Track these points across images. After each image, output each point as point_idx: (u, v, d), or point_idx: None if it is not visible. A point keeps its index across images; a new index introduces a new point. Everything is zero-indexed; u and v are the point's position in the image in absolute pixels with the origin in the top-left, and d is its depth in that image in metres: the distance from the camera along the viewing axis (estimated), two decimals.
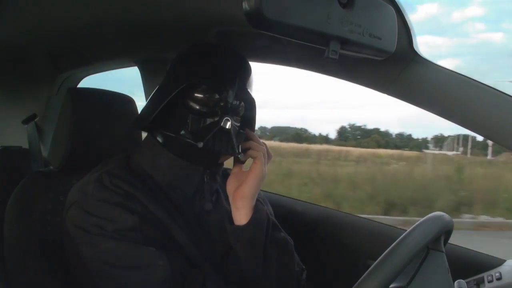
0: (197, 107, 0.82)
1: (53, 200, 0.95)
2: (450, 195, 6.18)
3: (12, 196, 0.94)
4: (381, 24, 0.72)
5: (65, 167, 0.98)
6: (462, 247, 1.14)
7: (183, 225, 0.83)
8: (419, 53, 0.86)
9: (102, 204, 0.77)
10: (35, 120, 1.57)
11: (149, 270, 0.74)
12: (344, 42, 0.66)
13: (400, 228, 1.24)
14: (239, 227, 0.84)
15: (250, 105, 0.89)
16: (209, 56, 0.86)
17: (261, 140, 0.89)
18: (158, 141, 0.87)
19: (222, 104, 0.82)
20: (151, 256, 0.75)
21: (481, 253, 1.12)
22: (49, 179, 0.99)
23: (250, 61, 0.97)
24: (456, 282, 0.88)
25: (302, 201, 1.54)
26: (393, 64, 0.87)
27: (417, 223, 0.79)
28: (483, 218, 5.67)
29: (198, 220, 0.87)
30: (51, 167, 1.03)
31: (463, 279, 0.91)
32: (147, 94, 1.54)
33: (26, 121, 1.55)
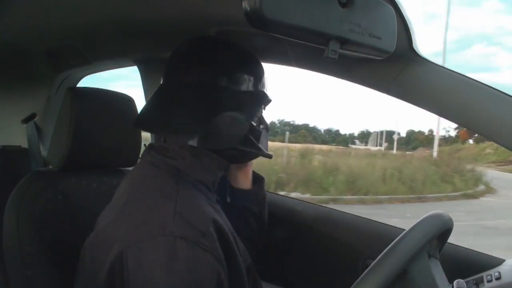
0: (260, 123, 0.89)
1: (52, 199, 0.95)
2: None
3: (11, 196, 0.94)
4: (381, 24, 0.72)
5: (65, 167, 0.98)
6: (461, 246, 1.14)
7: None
8: (418, 52, 0.86)
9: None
10: (35, 119, 1.57)
11: None
12: (344, 42, 0.66)
13: (399, 228, 1.24)
14: (260, 185, 1.05)
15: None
16: (260, 64, 0.89)
17: None
18: (202, 146, 0.79)
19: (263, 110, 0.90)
20: None
21: (480, 252, 1.12)
22: (48, 178, 0.99)
23: None
24: (455, 282, 0.89)
25: (302, 200, 1.54)
26: (392, 64, 0.87)
27: (416, 222, 0.79)
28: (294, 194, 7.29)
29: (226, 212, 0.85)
30: (50, 167, 1.03)
31: (462, 278, 0.91)
32: (146, 94, 1.54)
33: (25, 121, 1.56)
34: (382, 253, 0.74)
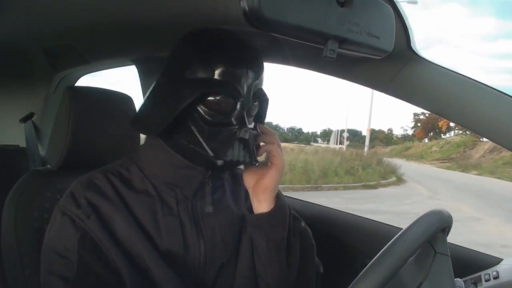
0: (212, 117, 0.75)
1: (50, 199, 0.95)
2: None
3: (9, 195, 0.94)
4: (379, 23, 0.72)
5: (63, 166, 0.98)
6: (459, 245, 1.14)
7: (168, 228, 0.79)
8: (417, 52, 0.86)
9: (58, 213, 0.77)
10: (33, 119, 1.57)
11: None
12: (342, 41, 0.66)
13: (399, 228, 1.24)
14: (262, 214, 0.81)
15: (264, 103, 0.84)
16: (224, 50, 0.75)
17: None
18: (161, 141, 0.80)
19: (238, 110, 0.75)
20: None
21: (478, 252, 1.12)
22: (46, 178, 0.99)
23: None
24: None
25: (300, 200, 1.54)
26: (391, 63, 0.87)
27: (416, 219, 0.79)
28: None
29: (194, 221, 0.82)
30: (49, 166, 1.02)
31: (461, 278, 0.91)
32: (144, 93, 1.54)
33: (23, 120, 1.55)
34: (381, 251, 0.74)
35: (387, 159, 15.21)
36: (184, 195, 0.82)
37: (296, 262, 0.86)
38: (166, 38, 1.18)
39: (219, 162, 0.74)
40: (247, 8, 0.55)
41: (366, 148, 19.16)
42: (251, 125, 0.78)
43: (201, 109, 0.75)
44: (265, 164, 0.83)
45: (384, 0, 0.73)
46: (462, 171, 18.64)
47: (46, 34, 1.26)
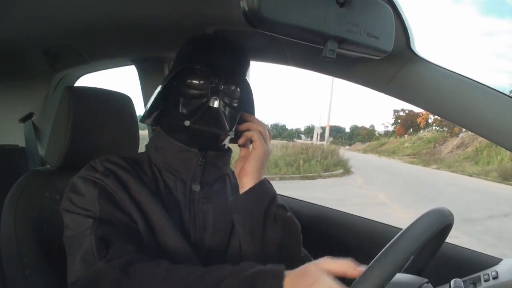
0: (189, 91, 0.86)
1: (50, 198, 0.95)
2: None
3: (9, 195, 0.94)
4: (379, 23, 0.72)
5: (62, 166, 0.98)
6: (459, 246, 1.14)
7: (168, 206, 0.86)
8: (416, 52, 0.86)
9: (78, 180, 0.83)
10: (32, 118, 1.57)
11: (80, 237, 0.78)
12: (342, 41, 0.66)
13: (399, 228, 1.24)
14: (238, 196, 0.88)
15: (246, 90, 0.92)
16: (202, 44, 0.89)
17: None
18: (160, 127, 0.92)
19: (212, 86, 0.85)
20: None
21: (477, 252, 1.12)
22: (46, 178, 0.99)
23: None
24: (452, 281, 0.89)
25: (299, 200, 1.54)
26: (390, 63, 0.87)
27: (417, 218, 0.78)
28: None
29: (189, 205, 0.89)
30: (48, 166, 1.02)
31: (460, 278, 0.91)
32: (144, 93, 1.54)
33: (23, 120, 1.55)
34: (382, 250, 0.74)
35: (344, 154, 16.05)
36: (183, 179, 0.90)
37: (274, 251, 0.89)
38: (165, 38, 1.18)
39: (186, 123, 0.83)
40: (246, 8, 0.55)
41: (325, 143, 19.85)
42: (233, 105, 0.88)
43: (182, 86, 0.86)
44: (243, 151, 0.92)
45: (384, 0, 0.73)
46: (424, 166, 19.84)
47: (45, 34, 1.25)
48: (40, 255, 0.89)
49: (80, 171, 0.85)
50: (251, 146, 0.91)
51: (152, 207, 0.83)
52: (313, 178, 11.51)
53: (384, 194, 8.85)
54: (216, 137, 0.87)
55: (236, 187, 0.93)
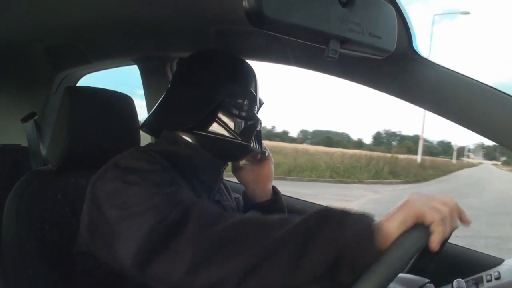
0: (239, 112, 0.91)
1: (51, 198, 0.95)
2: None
3: (11, 194, 0.94)
4: (381, 23, 0.72)
5: (64, 166, 0.98)
6: (461, 246, 1.14)
7: None
8: (418, 52, 0.86)
9: (141, 160, 0.79)
10: (34, 118, 1.57)
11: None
12: (344, 41, 0.66)
13: None
14: (268, 200, 1.02)
15: (261, 105, 1.01)
16: (244, 67, 0.96)
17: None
18: (183, 137, 0.90)
19: (255, 106, 0.95)
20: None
21: (480, 252, 1.12)
22: (47, 177, 0.99)
23: (249, 60, 0.97)
24: (455, 281, 0.89)
25: (301, 199, 1.54)
26: (393, 63, 0.87)
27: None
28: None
29: None
30: (50, 166, 1.03)
31: (462, 278, 0.91)
32: (146, 92, 1.54)
33: (25, 119, 1.55)
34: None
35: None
36: (206, 185, 0.92)
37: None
38: (168, 38, 1.18)
39: (249, 147, 0.91)
40: (249, 8, 0.55)
41: (419, 157, 19.86)
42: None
43: (229, 106, 0.90)
44: (256, 162, 1.02)
45: (386, 0, 0.72)
46: None
47: (47, 33, 1.26)
48: (42, 255, 0.90)
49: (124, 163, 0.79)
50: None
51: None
52: (348, 183, 12.64)
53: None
54: (249, 152, 0.95)
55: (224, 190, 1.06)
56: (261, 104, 1.00)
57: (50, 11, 1.04)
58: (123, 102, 1.06)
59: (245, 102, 0.92)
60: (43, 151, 1.54)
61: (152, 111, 0.95)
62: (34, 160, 1.50)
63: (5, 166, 1.48)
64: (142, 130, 1.00)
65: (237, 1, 0.57)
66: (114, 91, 1.07)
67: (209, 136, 0.90)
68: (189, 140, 0.90)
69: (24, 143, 1.57)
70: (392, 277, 0.62)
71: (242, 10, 0.56)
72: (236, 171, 1.05)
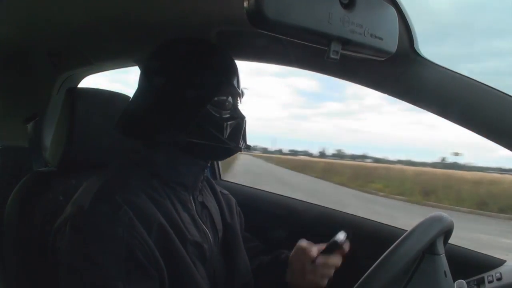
0: (221, 114, 0.84)
1: (52, 199, 0.95)
2: None
3: (12, 195, 0.94)
4: (383, 24, 0.72)
5: (65, 167, 0.98)
6: (462, 247, 1.14)
7: (189, 221, 0.86)
8: (420, 53, 0.86)
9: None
10: (36, 119, 1.57)
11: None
12: (345, 43, 0.66)
13: (400, 229, 1.24)
14: None
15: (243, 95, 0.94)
16: (224, 59, 0.88)
17: None
18: (163, 143, 0.85)
19: (237, 105, 0.88)
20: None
21: (481, 253, 1.11)
22: (49, 178, 0.99)
23: (250, 60, 0.97)
24: (456, 282, 0.88)
25: (302, 201, 1.54)
26: (394, 64, 0.87)
27: (417, 223, 0.79)
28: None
29: (198, 212, 0.91)
30: (51, 167, 1.03)
31: (464, 279, 0.91)
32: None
33: (27, 121, 1.56)
34: (383, 255, 0.74)
35: None
36: (189, 188, 0.89)
37: None
38: (169, 38, 1.18)
39: (237, 149, 0.85)
40: (250, 9, 0.55)
41: None
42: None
43: (211, 108, 0.83)
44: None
45: (388, 1, 0.72)
46: None
47: (49, 35, 1.26)
48: (43, 256, 0.90)
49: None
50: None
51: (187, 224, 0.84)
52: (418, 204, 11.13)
53: None
54: (233, 151, 0.87)
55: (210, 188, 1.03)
56: (243, 94, 0.91)
57: (52, 13, 1.04)
58: (124, 102, 1.06)
59: (229, 99, 0.85)
60: (45, 152, 1.54)
61: (131, 113, 0.89)
62: (36, 161, 1.51)
63: (6, 167, 1.49)
64: (117, 131, 0.91)
65: (238, 2, 0.57)
66: (115, 92, 1.07)
67: (192, 141, 0.82)
68: (169, 144, 0.84)
69: (26, 144, 1.57)
70: None
71: (243, 11, 0.56)
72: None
